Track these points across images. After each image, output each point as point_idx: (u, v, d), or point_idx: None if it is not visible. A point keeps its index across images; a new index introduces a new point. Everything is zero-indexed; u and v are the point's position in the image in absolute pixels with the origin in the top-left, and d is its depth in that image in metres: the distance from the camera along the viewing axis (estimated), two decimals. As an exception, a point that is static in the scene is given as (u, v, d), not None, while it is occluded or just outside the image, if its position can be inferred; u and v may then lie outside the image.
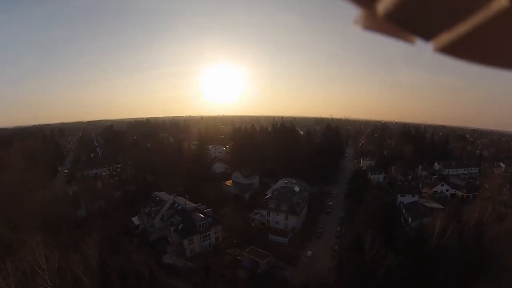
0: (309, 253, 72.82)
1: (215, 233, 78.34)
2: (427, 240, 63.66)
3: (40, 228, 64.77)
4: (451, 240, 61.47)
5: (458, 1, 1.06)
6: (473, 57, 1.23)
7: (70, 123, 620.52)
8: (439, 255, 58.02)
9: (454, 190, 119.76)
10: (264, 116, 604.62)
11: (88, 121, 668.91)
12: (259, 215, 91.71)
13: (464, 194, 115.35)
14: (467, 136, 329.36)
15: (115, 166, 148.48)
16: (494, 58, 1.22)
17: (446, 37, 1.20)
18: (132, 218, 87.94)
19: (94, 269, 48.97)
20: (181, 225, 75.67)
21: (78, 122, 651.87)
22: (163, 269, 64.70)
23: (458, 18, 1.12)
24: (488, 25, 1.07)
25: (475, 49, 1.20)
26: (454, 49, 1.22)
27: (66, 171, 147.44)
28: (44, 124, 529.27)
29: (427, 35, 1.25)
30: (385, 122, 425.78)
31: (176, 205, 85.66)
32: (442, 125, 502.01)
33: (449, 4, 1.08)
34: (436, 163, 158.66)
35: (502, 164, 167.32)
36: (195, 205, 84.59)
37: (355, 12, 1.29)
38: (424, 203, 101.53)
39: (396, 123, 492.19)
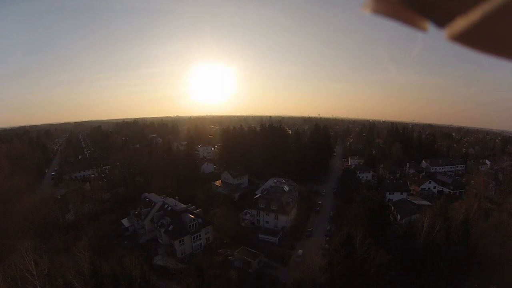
0: (300, 252, 73.10)
1: (206, 233, 78.23)
2: (416, 237, 64.51)
3: (29, 232, 64.13)
4: (439, 237, 62.31)
5: None
6: (487, 46, 1.15)
7: (56, 124, 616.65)
8: (428, 252, 58.86)
9: (441, 187, 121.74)
10: (252, 116, 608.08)
11: (75, 122, 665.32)
12: (249, 215, 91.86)
13: (451, 191, 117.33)
14: (453, 134, 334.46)
15: (104, 167, 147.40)
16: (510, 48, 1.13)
17: (460, 23, 1.13)
18: (122, 220, 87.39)
19: (85, 273, 48.58)
20: (171, 227, 75.44)
21: (65, 123, 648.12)
22: (154, 271, 64.41)
23: (474, 2, 1.05)
24: (507, 9, 1.00)
25: (490, 37, 1.12)
26: (467, 37, 1.14)
27: (53, 173, 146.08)
28: (30, 125, 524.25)
29: (441, 20, 1.18)
30: (373, 121, 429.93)
31: (166, 206, 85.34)
32: (428, 124, 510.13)
33: None
34: (423, 161, 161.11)
35: (487, 162, 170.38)
36: (185, 206, 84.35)
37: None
38: (412, 200, 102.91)
39: (384, 122, 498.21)
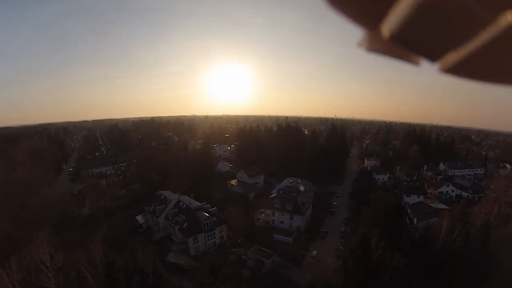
0: (314, 253, 72.36)
1: (220, 232, 78.09)
2: (433, 242, 63.23)
3: (45, 226, 64.95)
4: (457, 242, 61.00)
5: (464, 20, 1.04)
6: (480, 76, 1.21)
7: (75, 122, 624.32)
8: (445, 257, 57.59)
9: (460, 191, 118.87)
10: (269, 116, 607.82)
11: (93, 120, 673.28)
12: (264, 215, 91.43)
13: (470, 195, 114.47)
14: (473, 137, 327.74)
15: (120, 164, 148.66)
16: (501, 75, 1.19)
17: (452, 58, 1.19)
18: (137, 217, 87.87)
19: (99, 267, 48.93)
20: (185, 224, 75.48)
21: (83, 121, 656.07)
22: (167, 268, 64.54)
23: (464, 38, 1.10)
24: (495, 42, 1.04)
25: (481, 68, 1.18)
26: (460, 69, 1.20)
27: (70, 169, 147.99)
28: (49, 123, 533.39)
29: (433, 56, 1.24)
30: (389, 122, 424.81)
31: (180, 204, 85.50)
32: (447, 126, 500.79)
33: (455, 24, 1.07)
34: (441, 163, 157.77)
35: (508, 166, 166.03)
36: (200, 204, 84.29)
37: (359, 33, 1.31)
38: (430, 204, 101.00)
39: (401, 123, 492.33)
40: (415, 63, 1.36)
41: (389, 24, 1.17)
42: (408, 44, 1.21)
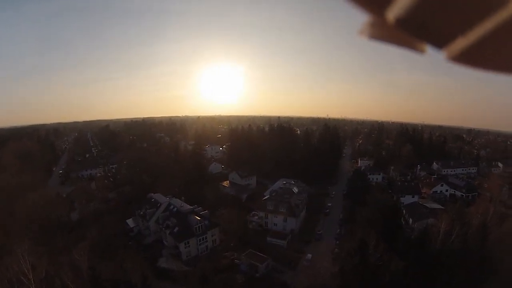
0: (309, 256, 71.08)
1: (212, 236, 76.38)
2: (430, 243, 62.44)
3: (32, 231, 62.91)
4: (456, 243, 60.26)
5: (474, 2, 1.00)
6: (489, 64, 1.16)
7: (65, 123, 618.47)
8: (442, 258, 56.80)
9: (454, 190, 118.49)
10: (261, 116, 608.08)
11: (84, 121, 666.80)
12: (257, 217, 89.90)
13: (464, 194, 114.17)
14: (464, 136, 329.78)
15: (110, 166, 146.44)
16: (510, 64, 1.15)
17: (459, 44, 1.14)
18: (127, 221, 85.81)
19: (85, 277, 46.91)
20: (176, 228, 73.71)
21: (74, 122, 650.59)
22: (158, 274, 62.80)
23: (473, 22, 1.05)
24: (505, 28, 1.01)
25: (491, 55, 1.13)
26: (468, 57, 1.16)
27: (60, 171, 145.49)
28: (39, 124, 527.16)
29: (440, 43, 1.18)
30: (381, 122, 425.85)
31: (171, 207, 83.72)
32: (438, 125, 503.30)
33: (464, 7, 1.02)
34: (434, 163, 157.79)
35: (500, 164, 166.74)
36: (191, 207, 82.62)
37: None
38: (424, 204, 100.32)
39: (393, 123, 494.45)
40: (421, 50, 1.32)
41: (396, 8, 1.11)
42: (415, 29, 1.16)
